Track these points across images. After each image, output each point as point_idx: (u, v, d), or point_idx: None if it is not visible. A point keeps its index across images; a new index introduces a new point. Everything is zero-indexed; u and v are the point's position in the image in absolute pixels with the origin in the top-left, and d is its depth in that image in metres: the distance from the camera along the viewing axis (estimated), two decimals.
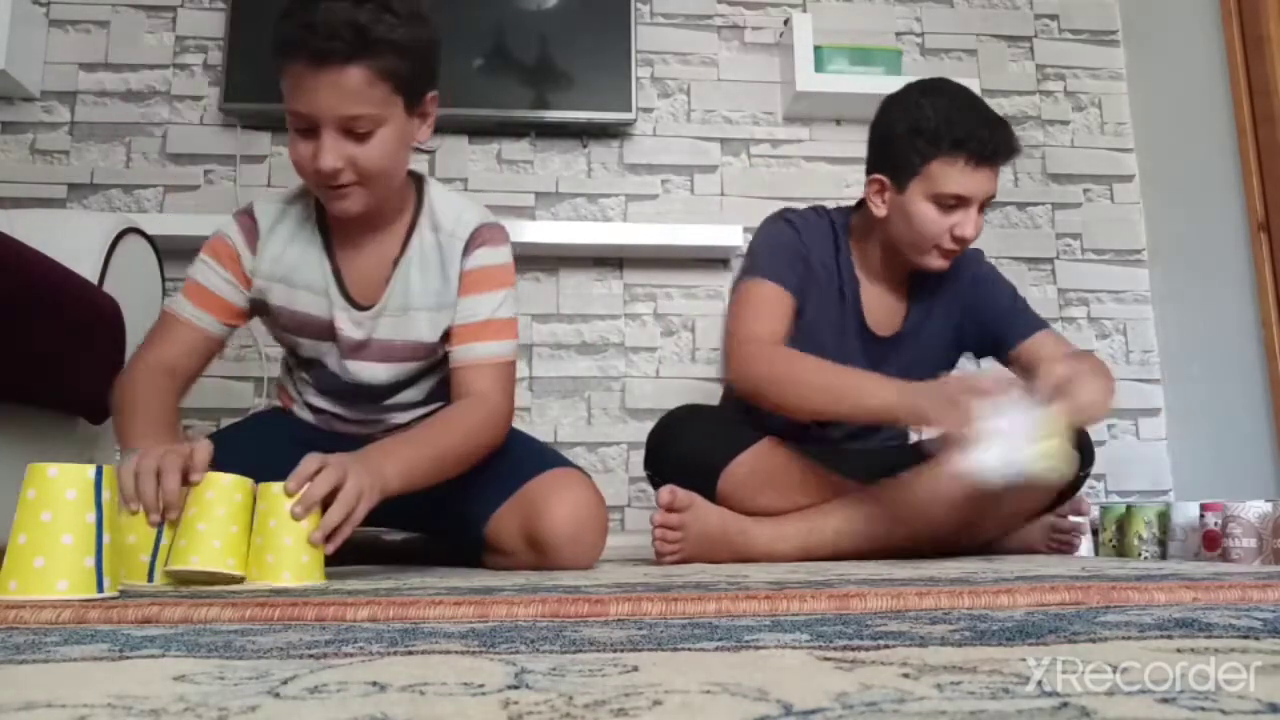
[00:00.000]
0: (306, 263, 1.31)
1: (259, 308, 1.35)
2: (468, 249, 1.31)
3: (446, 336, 1.32)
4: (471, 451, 1.22)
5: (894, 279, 1.57)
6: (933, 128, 1.40)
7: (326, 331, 1.33)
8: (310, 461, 0.98)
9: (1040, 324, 1.58)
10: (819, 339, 1.54)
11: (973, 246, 1.65)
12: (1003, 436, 1.16)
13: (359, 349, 1.33)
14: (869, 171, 1.50)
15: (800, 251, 1.52)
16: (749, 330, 1.44)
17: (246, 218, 1.34)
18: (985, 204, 1.45)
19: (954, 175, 1.40)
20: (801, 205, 1.61)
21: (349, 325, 1.31)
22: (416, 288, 1.31)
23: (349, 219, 1.26)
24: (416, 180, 1.37)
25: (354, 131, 1.16)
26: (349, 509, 0.97)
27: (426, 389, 1.39)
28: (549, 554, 1.26)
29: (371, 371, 1.34)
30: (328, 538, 0.96)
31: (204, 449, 0.98)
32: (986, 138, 1.39)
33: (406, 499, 1.10)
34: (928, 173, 1.41)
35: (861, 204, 1.55)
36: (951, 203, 1.42)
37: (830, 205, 1.63)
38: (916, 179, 1.43)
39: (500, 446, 1.28)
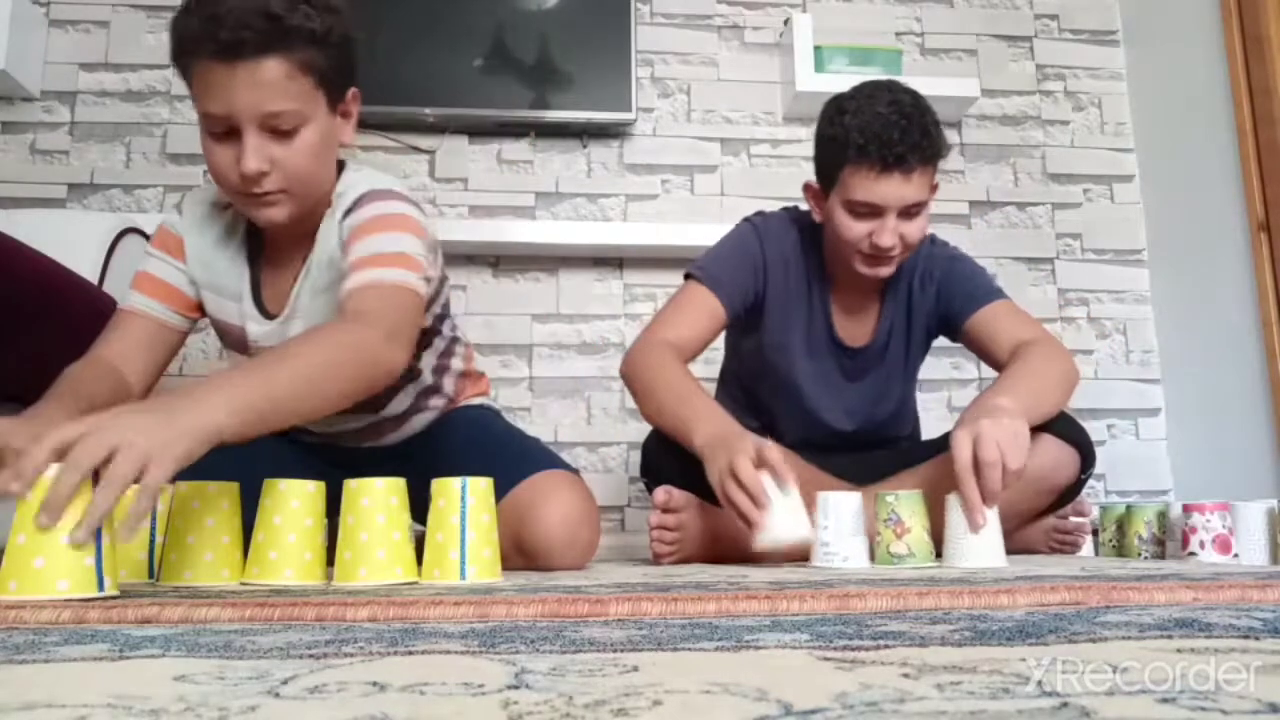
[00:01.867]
0: (229, 271, 1.26)
1: (201, 308, 1.29)
2: (351, 209, 1.18)
3: None
4: (343, 372, 0.98)
5: (861, 288, 1.55)
6: (843, 134, 1.37)
7: (242, 343, 1.28)
8: (54, 434, 0.74)
9: (992, 294, 1.52)
10: (790, 352, 1.54)
11: (953, 243, 1.64)
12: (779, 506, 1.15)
13: None
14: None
15: (755, 262, 1.51)
16: (658, 328, 1.45)
17: (176, 214, 1.28)
18: (914, 210, 1.40)
19: (860, 182, 1.37)
20: (802, 206, 1.61)
21: (260, 337, 1.26)
22: (319, 281, 1.22)
23: (275, 228, 1.18)
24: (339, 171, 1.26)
25: (276, 130, 1.09)
26: (120, 487, 0.73)
27: None
28: (540, 561, 1.24)
29: None
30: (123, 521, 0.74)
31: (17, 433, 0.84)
32: (893, 142, 1.34)
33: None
34: (841, 180, 1.40)
35: None
36: (864, 210, 1.40)
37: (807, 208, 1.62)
38: (835, 186, 1.42)
39: (385, 376, 1.05)
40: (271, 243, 1.26)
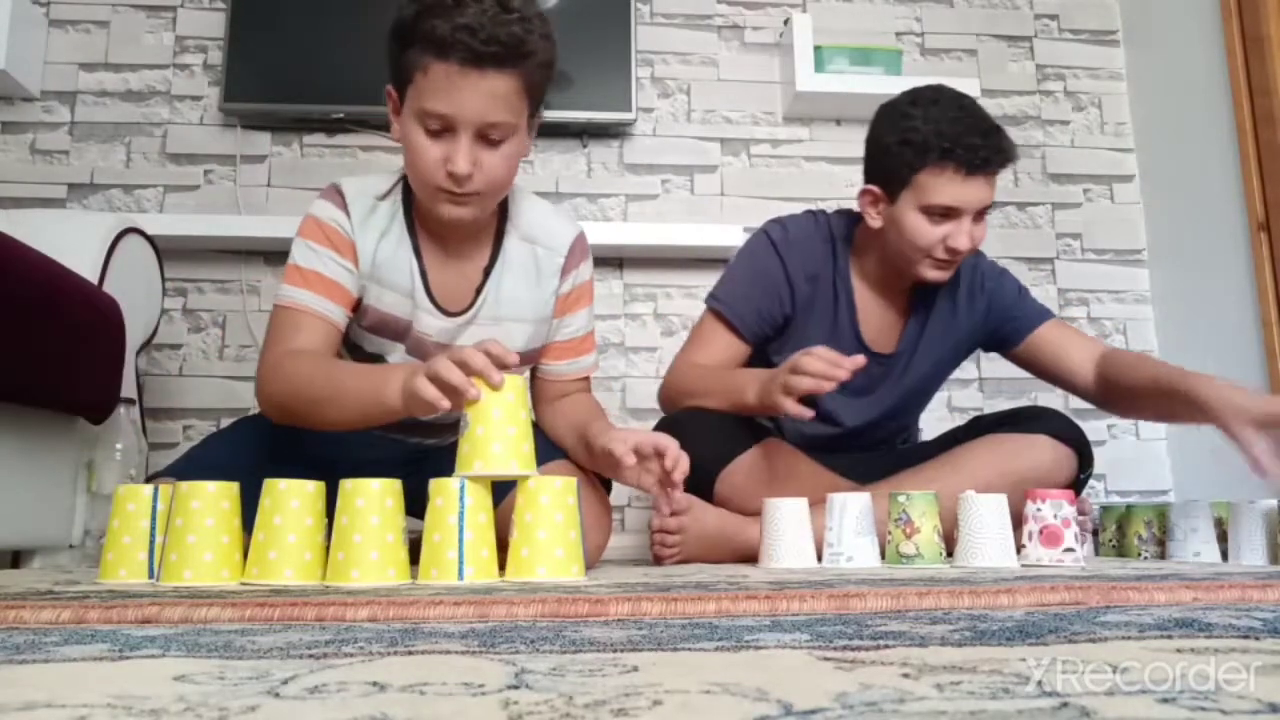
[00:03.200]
0: (396, 263, 1.28)
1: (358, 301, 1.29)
2: (567, 266, 1.35)
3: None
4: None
5: (893, 291, 1.55)
6: (920, 138, 1.38)
7: (403, 334, 1.30)
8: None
9: (1045, 312, 1.58)
10: None
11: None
12: None
13: (426, 352, 1.29)
14: (865, 182, 1.49)
15: (778, 286, 1.52)
16: (685, 357, 1.55)
17: (340, 200, 1.26)
18: (983, 212, 1.44)
19: (943, 186, 1.39)
20: (801, 206, 1.61)
21: (434, 331, 1.30)
22: (509, 298, 1.32)
23: (444, 226, 1.25)
24: None
25: (487, 138, 1.17)
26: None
27: None
28: None
29: None
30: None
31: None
32: (976, 146, 1.37)
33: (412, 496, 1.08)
34: (917, 183, 1.40)
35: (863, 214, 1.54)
36: (942, 213, 1.41)
37: (831, 209, 1.63)
38: (907, 190, 1.42)
39: None
40: (434, 236, 1.30)
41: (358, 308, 1.29)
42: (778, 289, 1.52)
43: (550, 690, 0.39)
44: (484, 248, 1.32)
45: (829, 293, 1.54)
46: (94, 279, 1.62)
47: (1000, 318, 1.58)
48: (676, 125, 2.38)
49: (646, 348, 2.28)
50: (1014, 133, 2.46)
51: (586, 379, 1.43)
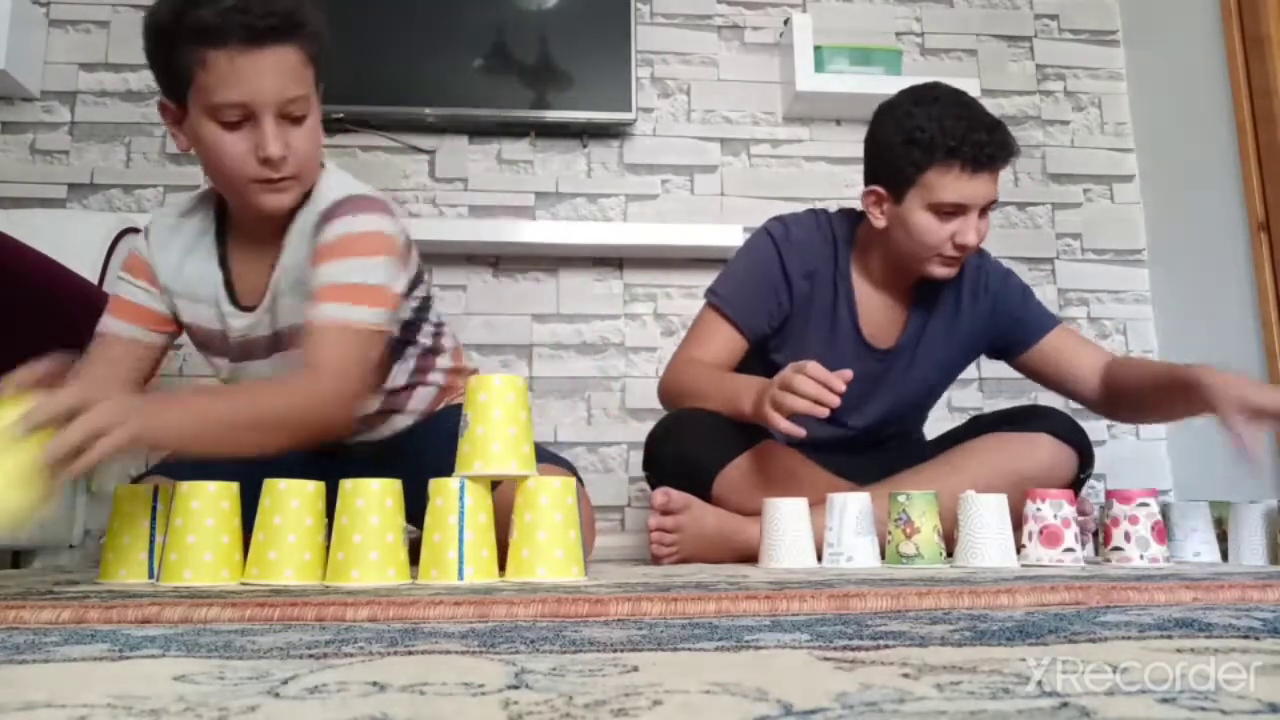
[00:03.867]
0: (201, 275, 1.28)
1: (176, 321, 1.31)
2: (323, 220, 1.19)
3: None
4: (284, 426, 1.04)
5: (896, 289, 1.55)
6: (926, 137, 1.39)
7: (224, 345, 1.29)
8: (64, 395, 0.84)
9: (1050, 322, 1.58)
10: (811, 352, 1.54)
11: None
12: None
13: (247, 352, 1.29)
14: (866, 183, 1.49)
15: (777, 283, 1.52)
16: (684, 352, 1.54)
17: (144, 237, 1.31)
18: (988, 208, 1.44)
19: (950, 183, 1.39)
20: (801, 206, 1.61)
21: (243, 329, 1.27)
22: (292, 274, 1.23)
23: (257, 223, 1.22)
24: None
25: (290, 116, 1.14)
26: (85, 434, 0.81)
27: None
28: None
29: (259, 370, 1.29)
30: (58, 460, 0.80)
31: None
32: (982, 142, 1.38)
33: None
34: (924, 182, 1.40)
35: (864, 213, 1.54)
36: (950, 211, 1.41)
37: (834, 208, 1.63)
38: (913, 189, 1.42)
39: (343, 425, 1.13)
40: (241, 238, 1.27)
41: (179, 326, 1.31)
42: (776, 286, 1.52)
43: (550, 690, 0.39)
44: (280, 234, 1.25)
45: (829, 290, 1.54)
46: (94, 279, 1.62)
47: (1006, 323, 1.57)
48: (676, 125, 2.38)
49: (646, 348, 2.28)
50: (1014, 133, 2.46)
51: (331, 338, 1.12)
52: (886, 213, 1.47)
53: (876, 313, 1.56)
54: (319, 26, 1.16)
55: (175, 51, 1.11)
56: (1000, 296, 1.58)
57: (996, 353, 1.63)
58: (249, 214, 1.22)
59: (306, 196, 1.24)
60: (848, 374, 1.24)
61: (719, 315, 1.52)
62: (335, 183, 1.26)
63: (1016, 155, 1.45)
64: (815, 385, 1.23)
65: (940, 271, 1.47)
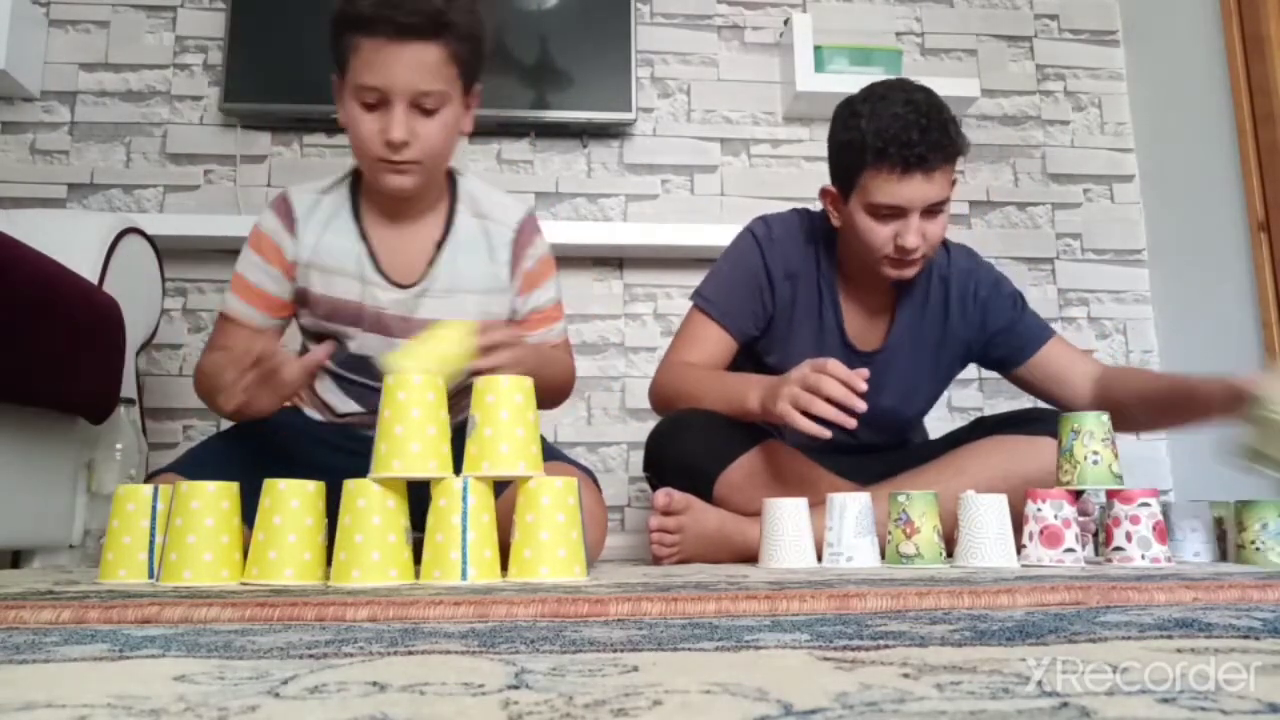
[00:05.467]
0: (341, 248, 1.35)
1: (301, 298, 1.38)
2: (520, 241, 1.40)
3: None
4: (556, 386, 1.42)
5: (876, 290, 1.54)
6: (860, 138, 1.37)
7: (358, 317, 1.36)
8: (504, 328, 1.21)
9: (1045, 333, 1.56)
10: (799, 358, 1.54)
11: (968, 246, 1.64)
12: None
13: (403, 329, 1.34)
14: (830, 183, 1.49)
15: (760, 283, 1.51)
16: (674, 355, 1.54)
17: (283, 205, 1.37)
18: (936, 209, 1.40)
19: (881, 185, 1.37)
20: (801, 206, 1.60)
21: (389, 304, 1.35)
22: (464, 270, 1.37)
23: (389, 202, 1.33)
24: (448, 170, 1.43)
25: (421, 108, 1.24)
26: (502, 340, 1.15)
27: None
28: None
29: (376, 344, 1.35)
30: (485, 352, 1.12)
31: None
32: (914, 142, 1.33)
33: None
34: (860, 184, 1.39)
35: None
36: (887, 213, 1.39)
37: (818, 209, 1.62)
38: (854, 190, 1.41)
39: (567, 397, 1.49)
40: (379, 216, 1.37)
41: (304, 303, 1.38)
42: (759, 287, 1.52)
43: (550, 690, 0.39)
44: (435, 223, 1.38)
45: (812, 291, 1.53)
46: (94, 279, 1.62)
47: (999, 335, 1.56)
48: (676, 125, 2.38)
49: (646, 348, 2.28)
50: (1014, 133, 2.49)
51: (564, 345, 1.50)
52: (841, 213, 1.47)
53: (860, 315, 1.55)
54: (474, 30, 1.26)
55: (341, 36, 1.24)
56: (991, 307, 1.56)
57: (990, 364, 1.62)
58: (380, 193, 1.33)
59: (455, 196, 1.39)
60: (865, 373, 1.23)
61: (706, 318, 1.52)
62: (488, 190, 1.45)
63: (959, 154, 1.39)
64: (842, 388, 1.21)
65: (892, 273, 1.44)
